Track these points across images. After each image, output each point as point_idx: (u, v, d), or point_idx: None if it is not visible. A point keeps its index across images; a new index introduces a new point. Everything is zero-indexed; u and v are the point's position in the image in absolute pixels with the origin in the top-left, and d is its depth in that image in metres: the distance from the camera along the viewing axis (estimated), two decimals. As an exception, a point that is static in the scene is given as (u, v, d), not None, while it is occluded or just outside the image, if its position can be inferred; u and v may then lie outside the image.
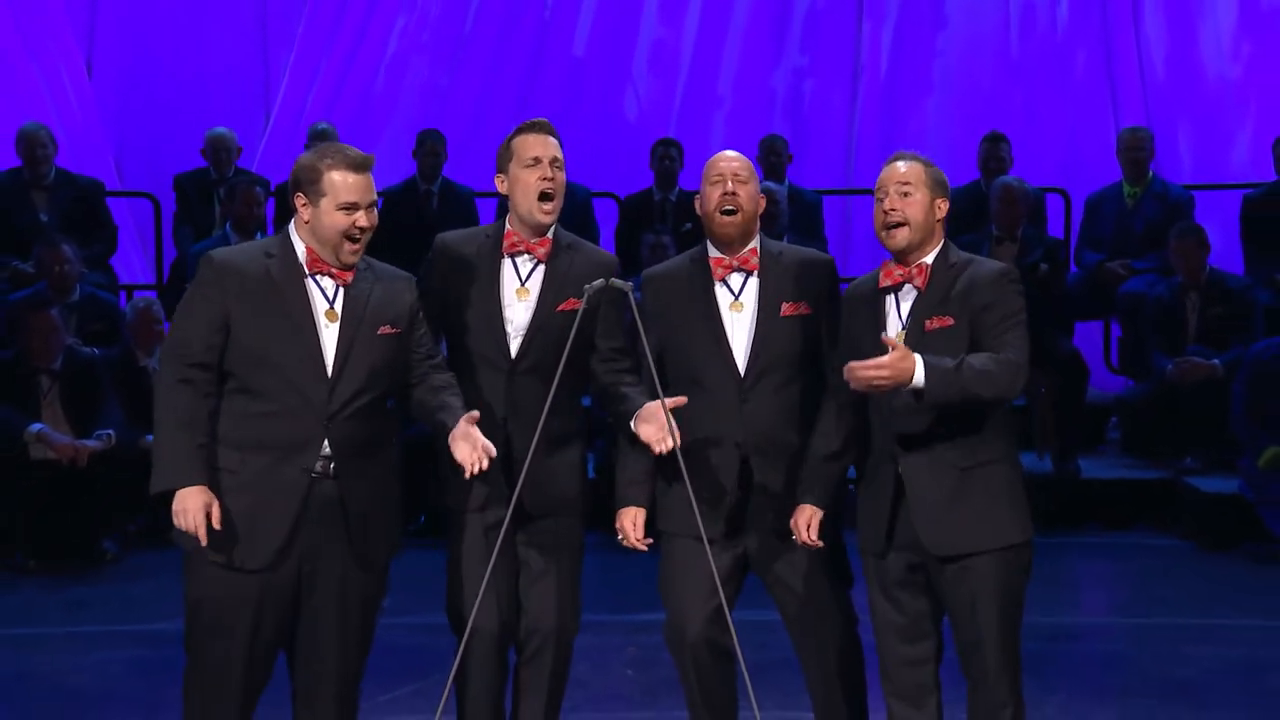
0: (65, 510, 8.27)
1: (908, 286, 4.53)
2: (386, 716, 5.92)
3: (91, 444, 8.30)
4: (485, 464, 4.39)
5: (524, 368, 4.73)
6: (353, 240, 4.40)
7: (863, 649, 4.80)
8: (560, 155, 4.78)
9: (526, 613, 4.78)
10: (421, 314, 4.59)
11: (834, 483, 4.66)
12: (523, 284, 4.78)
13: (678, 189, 10.28)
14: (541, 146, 4.75)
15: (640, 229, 9.81)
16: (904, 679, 4.57)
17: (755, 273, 4.77)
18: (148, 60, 11.87)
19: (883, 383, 4.29)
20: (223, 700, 4.41)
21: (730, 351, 4.72)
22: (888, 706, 4.62)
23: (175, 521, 4.29)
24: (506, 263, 4.79)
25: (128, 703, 6.20)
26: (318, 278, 4.42)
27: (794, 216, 9.87)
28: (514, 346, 4.74)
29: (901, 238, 4.50)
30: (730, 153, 4.85)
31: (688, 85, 11.83)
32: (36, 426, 8.31)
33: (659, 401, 4.52)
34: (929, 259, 4.51)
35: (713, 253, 4.80)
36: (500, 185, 4.82)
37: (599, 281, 4.55)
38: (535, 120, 4.84)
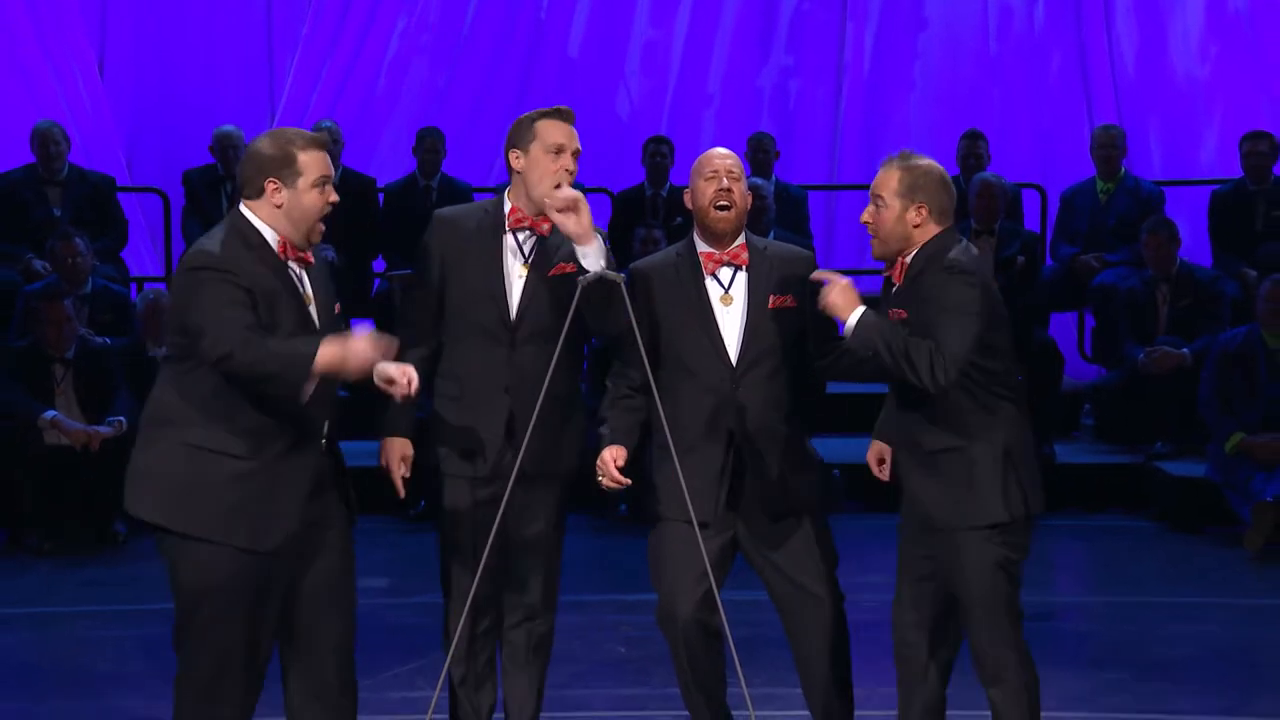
0: (78, 494, 8.25)
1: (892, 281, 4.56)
2: (389, 692, 5.90)
3: (103, 430, 8.28)
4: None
5: (522, 337, 4.71)
6: (323, 220, 4.31)
7: (848, 626, 4.79)
8: (579, 146, 4.74)
9: (514, 583, 4.79)
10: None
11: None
12: (526, 259, 4.75)
13: (669, 185, 10.26)
14: (566, 136, 4.70)
15: (633, 223, 9.79)
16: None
17: (744, 267, 4.75)
18: (158, 60, 11.83)
19: (826, 301, 4.40)
20: (227, 694, 4.28)
21: (723, 343, 4.70)
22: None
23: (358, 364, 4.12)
24: (509, 238, 4.76)
25: (139, 678, 6.19)
26: (290, 265, 4.31)
27: (780, 211, 9.86)
28: (514, 318, 4.72)
29: (875, 248, 4.53)
30: (723, 150, 4.81)
31: (678, 84, 11.81)
32: (50, 413, 8.30)
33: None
34: (909, 257, 4.49)
35: (702, 247, 4.77)
36: (515, 162, 4.73)
37: (592, 274, 4.53)
38: (560, 107, 4.77)
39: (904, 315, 4.43)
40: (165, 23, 11.80)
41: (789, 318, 4.73)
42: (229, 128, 10.39)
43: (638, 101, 11.84)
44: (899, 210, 4.46)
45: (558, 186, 4.59)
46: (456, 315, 4.76)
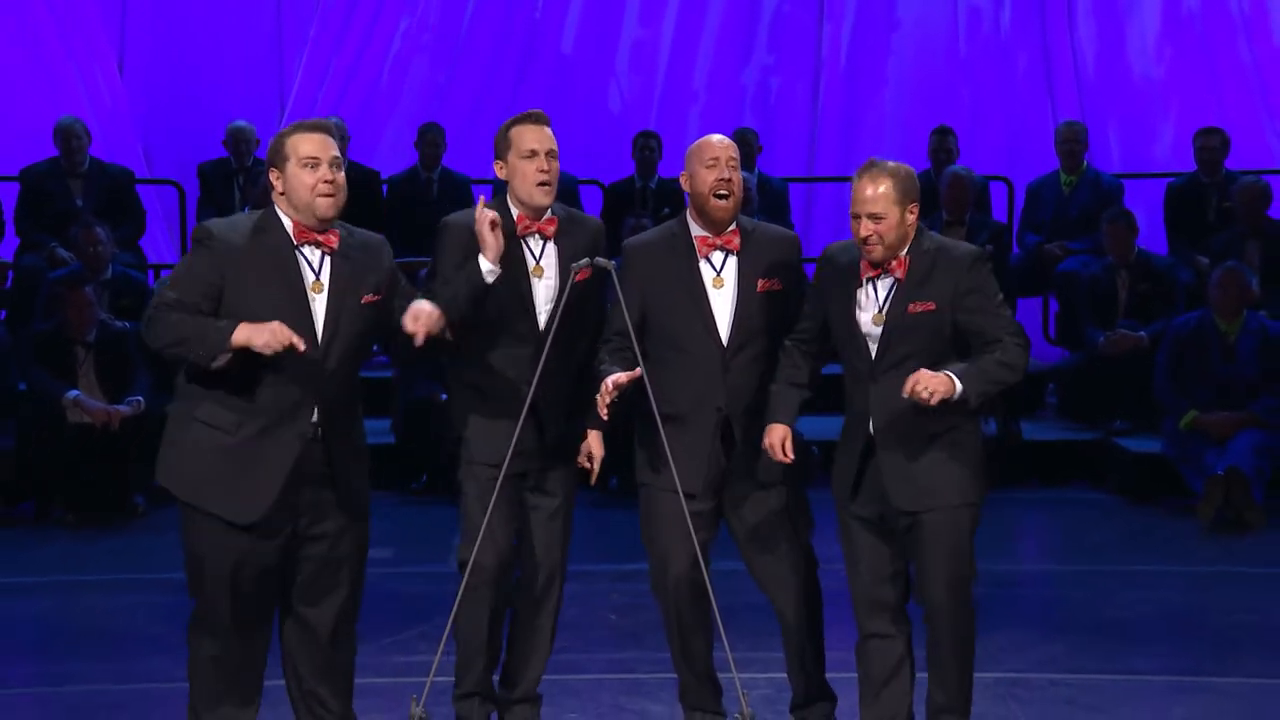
0: (99, 469, 8.24)
1: (886, 273, 4.47)
2: (391, 657, 5.90)
3: (122, 409, 8.27)
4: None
5: (549, 339, 4.68)
6: (324, 195, 4.27)
7: (820, 589, 4.79)
8: (554, 145, 4.69)
9: (532, 550, 4.76)
10: (400, 275, 4.51)
11: (798, 406, 4.59)
12: (538, 262, 4.72)
13: (657, 177, 10.26)
14: (537, 139, 4.66)
15: (623, 214, 9.78)
16: (874, 603, 4.54)
17: (735, 252, 4.70)
18: (174, 59, 11.79)
19: (930, 396, 4.27)
20: (218, 642, 4.36)
21: (715, 324, 4.67)
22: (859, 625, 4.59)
23: (262, 343, 4.11)
24: (521, 244, 4.72)
25: (157, 642, 6.19)
26: (304, 249, 4.30)
27: (762, 202, 9.85)
28: (541, 320, 4.69)
29: (878, 254, 4.43)
30: (722, 138, 4.72)
31: (666, 81, 11.78)
32: (73, 393, 8.29)
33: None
34: (904, 252, 4.44)
35: (696, 230, 4.72)
36: (500, 171, 4.73)
37: (584, 261, 4.52)
38: (531, 112, 4.74)
39: (931, 308, 4.40)
40: (182, 24, 11.76)
41: (776, 300, 4.70)
42: (241, 123, 10.37)
43: (628, 97, 11.81)
44: (899, 216, 4.40)
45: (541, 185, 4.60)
46: (485, 321, 4.66)
